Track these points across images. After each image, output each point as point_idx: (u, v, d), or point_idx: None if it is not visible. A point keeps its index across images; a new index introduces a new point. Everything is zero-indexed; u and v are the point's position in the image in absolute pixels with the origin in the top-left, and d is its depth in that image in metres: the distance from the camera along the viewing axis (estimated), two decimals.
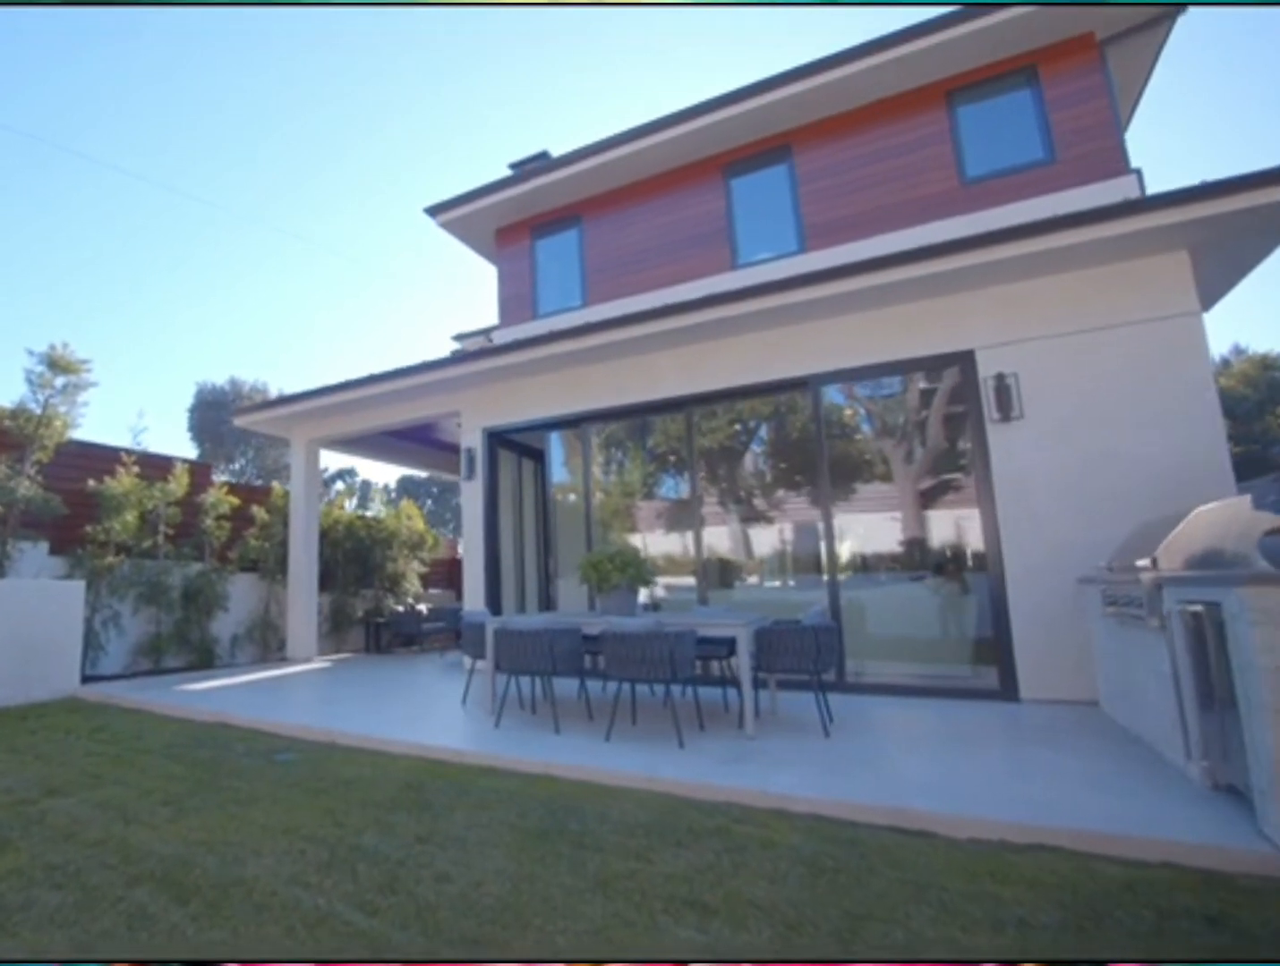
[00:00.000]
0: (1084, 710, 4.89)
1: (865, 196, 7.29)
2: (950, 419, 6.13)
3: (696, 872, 2.46)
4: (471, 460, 7.97)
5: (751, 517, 7.13)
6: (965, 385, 5.81)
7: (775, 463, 7.15)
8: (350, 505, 13.01)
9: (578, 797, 3.32)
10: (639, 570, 5.05)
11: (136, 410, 16.14)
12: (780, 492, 7.10)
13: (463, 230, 9.59)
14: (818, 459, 6.30)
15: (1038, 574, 5.31)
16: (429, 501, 39.04)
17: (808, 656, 4.37)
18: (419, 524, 12.59)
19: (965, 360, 5.80)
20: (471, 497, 7.98)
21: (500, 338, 8.78)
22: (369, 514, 11.99)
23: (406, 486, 38.47)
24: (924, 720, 4.84)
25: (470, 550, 7.95)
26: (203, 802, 3.37)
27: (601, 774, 3.63)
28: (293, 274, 64.07)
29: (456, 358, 7.57)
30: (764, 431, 7.21)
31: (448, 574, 14.72)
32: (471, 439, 8.07)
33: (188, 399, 29.60)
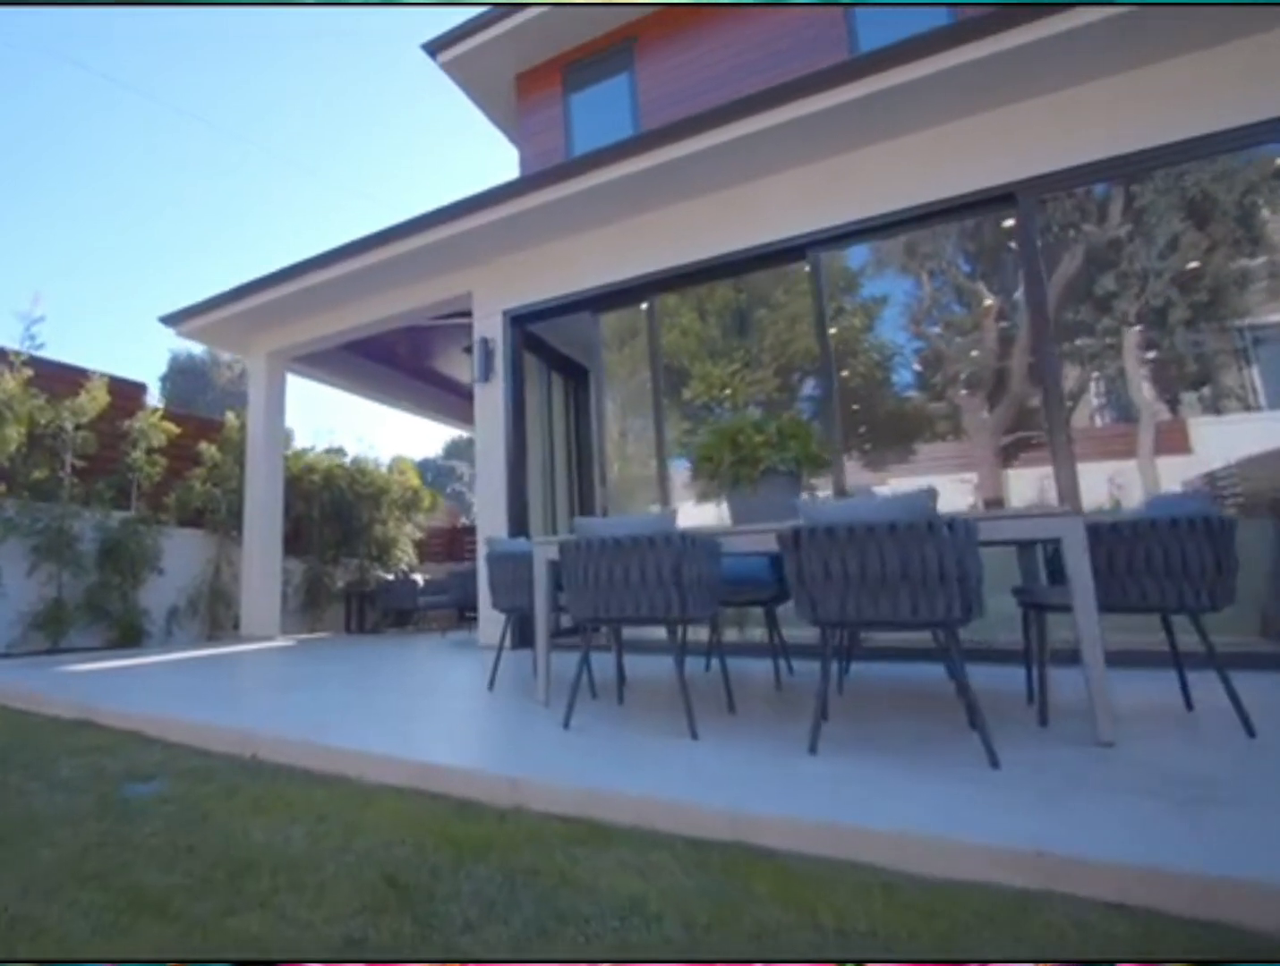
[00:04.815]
0: None
1: None
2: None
3: None
4: (488, 354, 5.70)
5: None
6: None
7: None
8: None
9: (888, 926, 1.12)
10: (805, 445, 2.83)
11: (31, 295, 10.86)
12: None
13: (473, 74, 7.28)
14: (1034, 316, 4.09)
15: None
16: None
17: (1198, 578, 2.17)
18: (414, 479, 10.35)
19: None
20: (489, 406, 5.71)
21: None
22: (350, 458, 9.64)
23: None
24: None
25: (486, 475, 5.70)
26: None
27: (908, 840, 1.42)
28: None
29: (467, 202, 5.31)
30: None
31: (447, 545, 12.50)
32: (488, 327, 5.81)
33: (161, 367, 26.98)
